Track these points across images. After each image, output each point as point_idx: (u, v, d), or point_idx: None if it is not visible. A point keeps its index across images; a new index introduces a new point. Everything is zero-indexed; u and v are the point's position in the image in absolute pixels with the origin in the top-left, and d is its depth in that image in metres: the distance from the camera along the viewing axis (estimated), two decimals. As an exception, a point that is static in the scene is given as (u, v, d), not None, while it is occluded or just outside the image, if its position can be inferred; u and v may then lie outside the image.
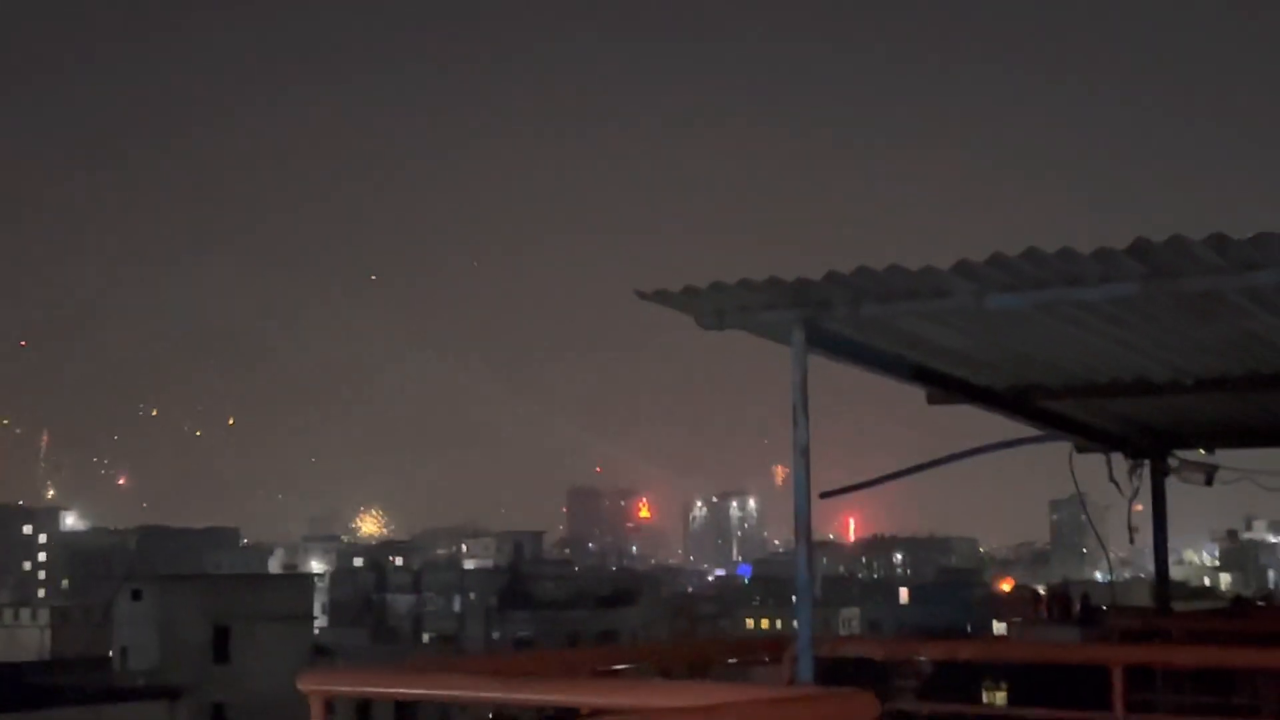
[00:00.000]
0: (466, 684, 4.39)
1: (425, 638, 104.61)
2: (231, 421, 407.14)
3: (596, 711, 4.03)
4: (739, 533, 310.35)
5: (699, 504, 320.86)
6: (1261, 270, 5.19)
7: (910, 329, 6.51)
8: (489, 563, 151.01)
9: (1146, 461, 9.92)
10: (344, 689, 4.14)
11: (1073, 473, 9.40)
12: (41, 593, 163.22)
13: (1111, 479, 9.82)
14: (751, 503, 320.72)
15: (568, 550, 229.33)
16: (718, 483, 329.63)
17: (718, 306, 6.12)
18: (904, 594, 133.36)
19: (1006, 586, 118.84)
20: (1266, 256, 5.14)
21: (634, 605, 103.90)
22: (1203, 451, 9.93)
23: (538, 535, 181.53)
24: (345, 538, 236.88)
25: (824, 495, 9.26)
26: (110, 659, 61.46)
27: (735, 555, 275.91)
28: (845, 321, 6.18)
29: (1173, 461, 9.93)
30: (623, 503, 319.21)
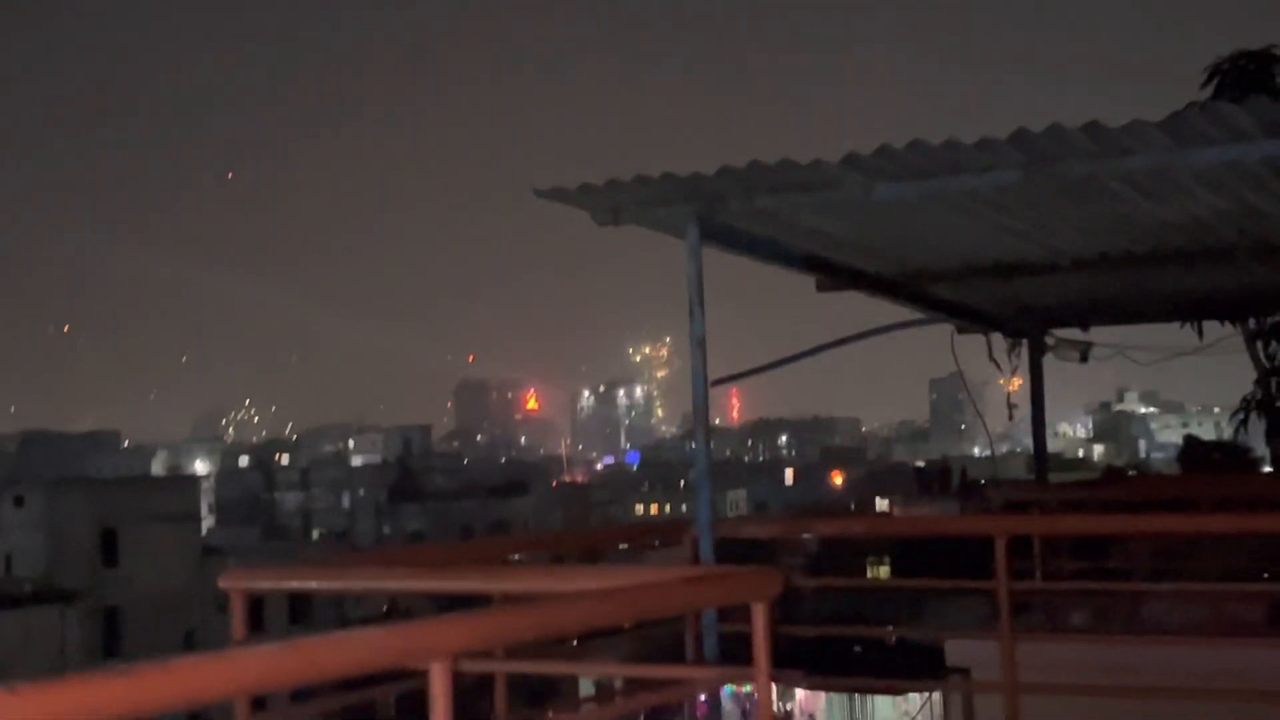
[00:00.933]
0: (387, 575, 4.54)
1: (315, 535, 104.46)
2: (66, 329, 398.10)
3: (510, 597, 4.19)
4: (626, 421, 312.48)
5: (586, 394, 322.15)
6: (1135, 155, 5.44)
7: (802, 220, 6.68)
8: (377, 458, 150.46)
9: (1024, 340, 10.30)
10: (265, 585, 4.27)
11: (954, 353, 9.74)
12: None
13: (991, 358, 10.19)
14: (639, 391, 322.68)
15: (456, 443, 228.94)
16: (605, 373, 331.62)
17: (613, 203, 6.23)
18: (789, 474, 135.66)
19: (838, 480, 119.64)
20: (1139, 142, 5.38)
21: (525, 495, 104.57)
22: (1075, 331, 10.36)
23: (425, 429, 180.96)
24: (229, 438, 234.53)
25: (715, 383, 9.43)
26: (-6, 566, 60.67)
27: (623, 443, 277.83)
28: (739, 215, 6.34)
29: (1049, 340, 10.32)
30: (510, 395, 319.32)
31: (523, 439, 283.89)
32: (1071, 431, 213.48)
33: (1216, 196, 6.16)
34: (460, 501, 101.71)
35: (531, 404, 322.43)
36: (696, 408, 6.44)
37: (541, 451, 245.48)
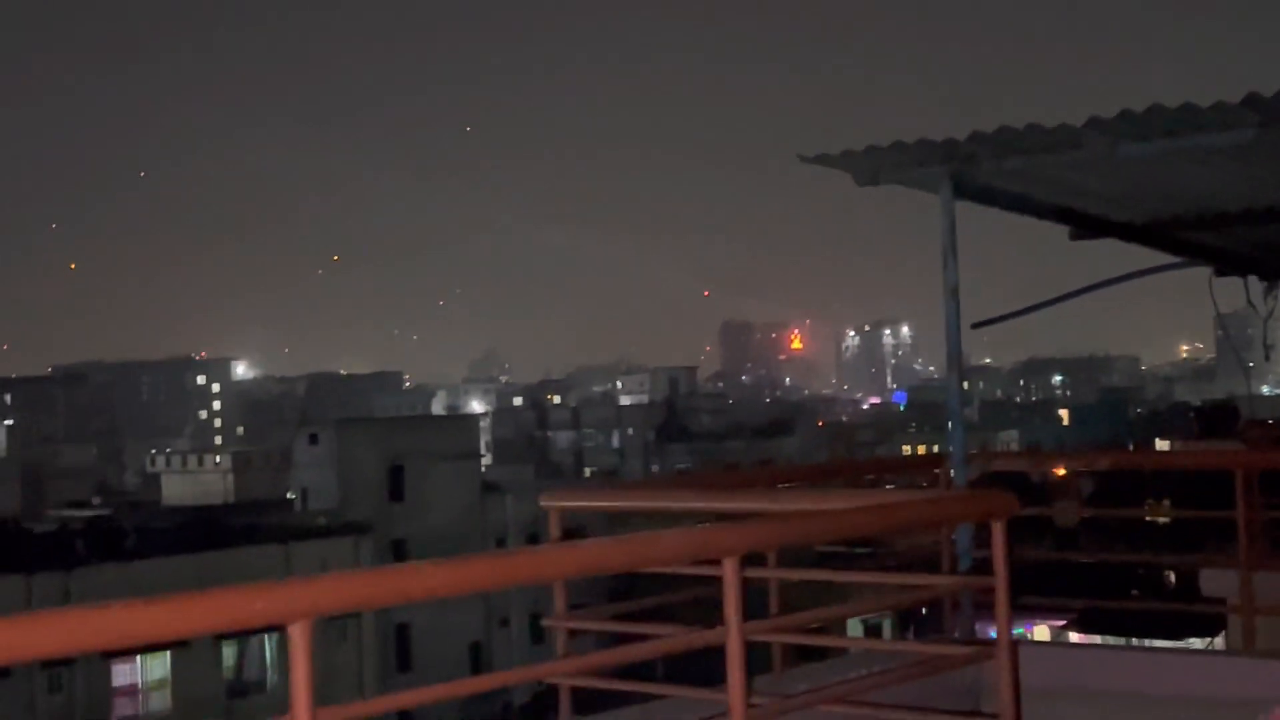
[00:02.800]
0: (677, 496, 5.30)
1: (587, 472, 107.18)
2: (336, 258, 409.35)
3: (781, 515, 4.88)
4: (892, 361, 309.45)
5: (851, 334, 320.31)
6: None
7: (1051, 175, 7.15)
8: (644, 398, 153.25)
9: (1281, 284, 10.47)
10: (577, 504, 5.08)
11: (1213, 296, 10.00)
12: (219, 440, 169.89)
13: (1248, 300, 10.38)
14: (905, 330, 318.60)
15: (721, 384, 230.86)
16: (869, 312, 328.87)
17: (872, 166, 6.84)
18: (1064, 415, 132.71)
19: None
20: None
21: (790, 435, 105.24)
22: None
23: (691, 370, 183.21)
24: (504, 378, 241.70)
25: (975, 325, 9.86)
26: (291, 500, 64.30)
27: (889, 383, 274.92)
28: (990, 174, 6.87)
29: (1309, 283, 10.47)
30: (774, 335, 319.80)
31: (787, 379, 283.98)
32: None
33: None
34: (726, 441, 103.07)
35: (796, 344, 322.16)
36: (950, 353, 7.02)
37: (806, 392, 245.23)
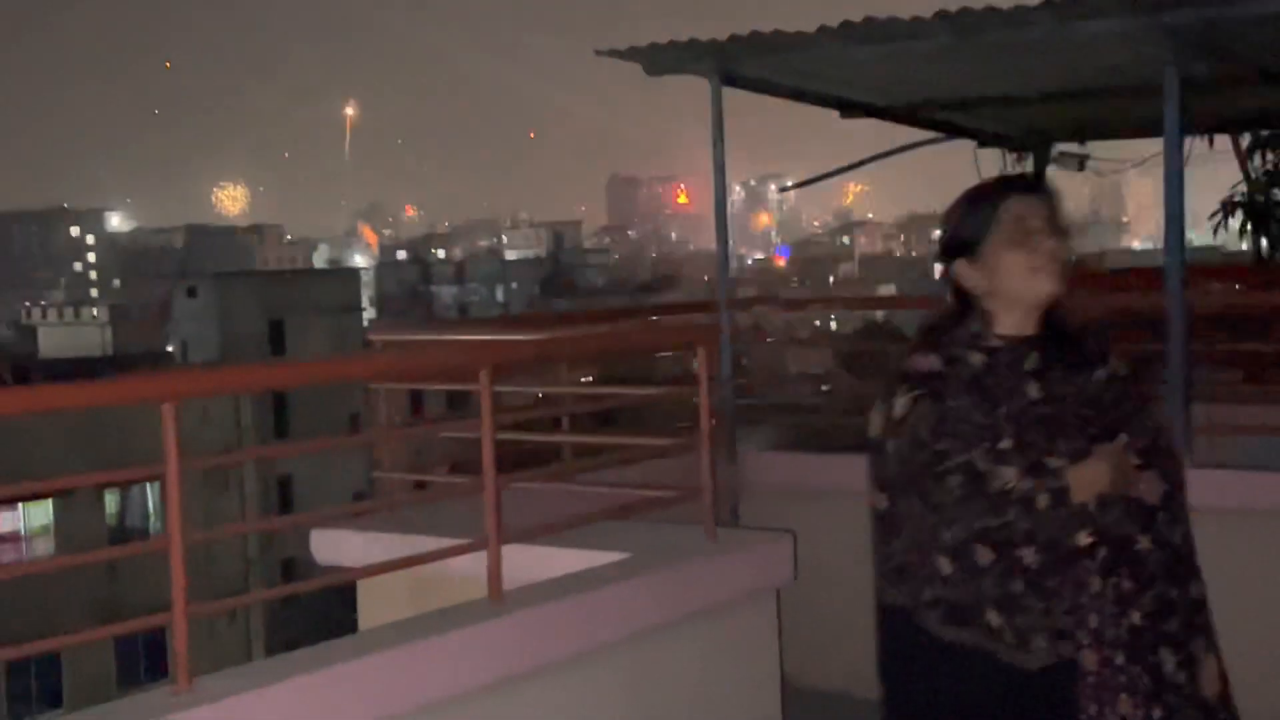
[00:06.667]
0: (475, 330, 6.65)
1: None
2: (169, 64, 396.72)
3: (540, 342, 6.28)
4: (778, 216, 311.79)
5: (737, 188, 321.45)
6: (1033, 26, 7.14)
7: (804, 69, 8.51)
8: (530, 253, 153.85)
9: (1031, 154, 12.08)
10: (399, 336, 6.38)
11: (977, 164, 11.58)
12: (95, 292, 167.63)
13: (1005, 169, 11.97)
14: (790, 184, 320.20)
15: (608, 239, 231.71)
16: (755, 166, 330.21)
17: (656, 61, 8.20)
18: (939, 269, 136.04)
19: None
20: (1037, 17, 7.07)
21: (674, 290, 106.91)
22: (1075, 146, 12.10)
23: (577, 225, 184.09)
24: (387, 231, 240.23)
25: (783, 189, 11.33)
26: (171, 353, 64.64)
27: (775, 238, 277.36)
28: (753, 68, 8.23)
29: (1053, 152, 12.06)
30: (660, 190, 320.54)
31: (673, 235, 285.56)
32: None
33: (1122, 50, 7.78)
34: (610, 297, 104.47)
35: (682, 199, 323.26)
36: (719, 221, 8.52)
37: (692, 247, 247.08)
